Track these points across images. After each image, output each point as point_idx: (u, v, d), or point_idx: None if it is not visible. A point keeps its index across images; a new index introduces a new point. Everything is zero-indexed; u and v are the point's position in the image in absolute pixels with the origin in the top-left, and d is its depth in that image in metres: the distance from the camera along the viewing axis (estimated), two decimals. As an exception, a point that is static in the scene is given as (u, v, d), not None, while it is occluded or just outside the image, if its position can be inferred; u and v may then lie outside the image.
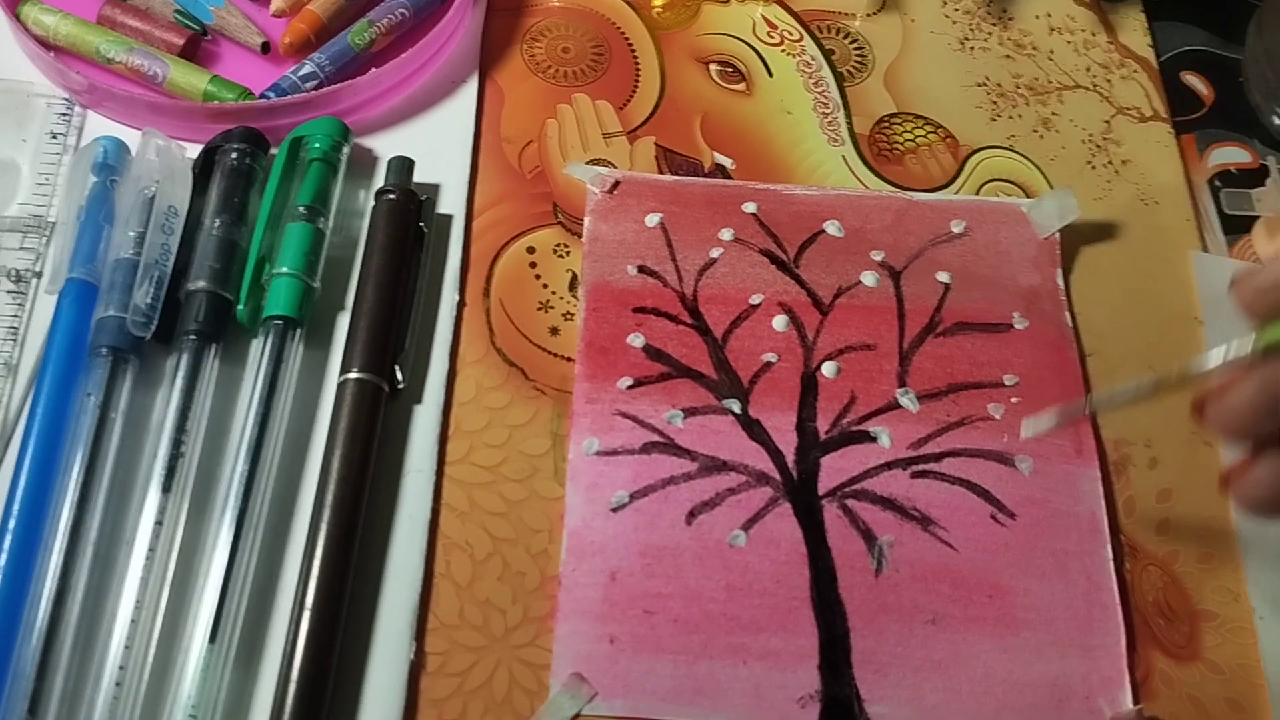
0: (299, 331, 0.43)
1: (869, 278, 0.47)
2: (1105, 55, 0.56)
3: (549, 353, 0.45)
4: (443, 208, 0.48)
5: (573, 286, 0.47)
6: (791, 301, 0.46)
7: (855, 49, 0.55)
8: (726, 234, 0.48)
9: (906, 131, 0.53)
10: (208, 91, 0.48)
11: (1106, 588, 0.41)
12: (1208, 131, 0.55)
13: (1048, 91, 0.55)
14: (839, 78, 0.54)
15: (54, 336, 0.42)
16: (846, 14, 0.57)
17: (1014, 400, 0.45)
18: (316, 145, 0.46)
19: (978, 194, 0.51)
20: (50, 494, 0.39)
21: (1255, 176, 0.53)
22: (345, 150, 0.47)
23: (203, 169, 0.46)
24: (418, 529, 0.41)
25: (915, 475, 0.43)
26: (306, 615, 0.38)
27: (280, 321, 0.43)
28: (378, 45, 0.51)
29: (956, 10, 0.57)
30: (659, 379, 0.44)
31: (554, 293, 0.47)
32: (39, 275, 0.45)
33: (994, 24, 0.57)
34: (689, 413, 0.43)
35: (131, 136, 0.47)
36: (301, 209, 0.45)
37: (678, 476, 0.42)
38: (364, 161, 0.49)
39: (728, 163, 0.51)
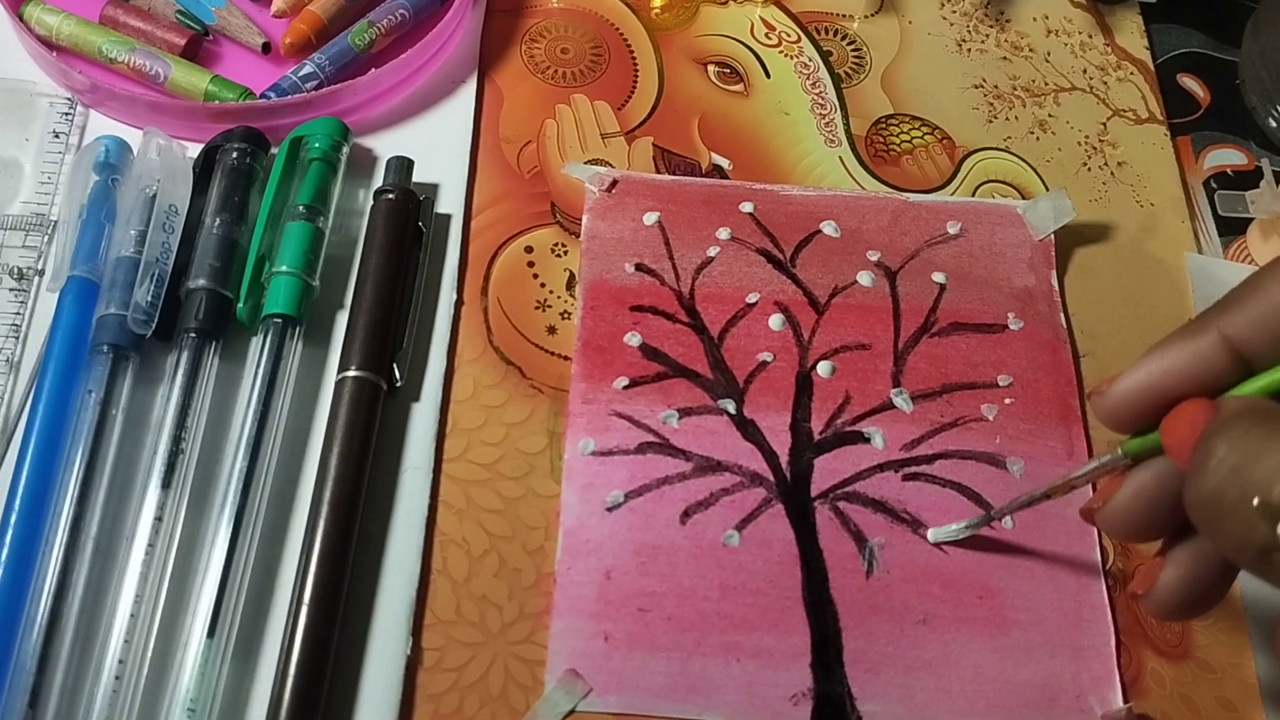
0: (298, 329, 0.44)
1: (865, 278, 0.48)
2: (1102, 57, 0.56)
3: (546, 351, 0.45)
4: (441, 207, 0.48)
5: (570, 285, 0.47)
6: (788, 301, 0.47)
7: (853, 50, 0.56)
8: (723, 233, 0.48)
9: (903, 133, 0.53)
10: (209, 91, 0.49)
11: (1096, 588, 0.42)
12: (1204, 133, 0.55)
13: (1044, 93, 0.55)
14: (836, 79, 0.54)
15: (55, 334, 0.42)
16: (844, 16, 0.57)
17: (1007, 401, 0.45)
18: (316, 145, 0.47)
19: (974, 195, 0.51)
20: (51, 490, 0.39)
21: (1251, 178, 0.53)
22: (345, 150, 0.48)
23: (203, 168, 0.46)
24: (415, 526, 0.41)
25: (907, 478, 0.43)
26: (304, 610, 0.38)
27: (279, 319, 0.43)
28: (378, 46, 0.51)
29: (954, 12, 0.57)
30: (655, 379, 0.44)
31: (551, 291, 0.47)
32: (41, 273, 0.45)
33: (991, 26, 0.57)
34: (684, 413, 0.44)
35: (133, 136, 0.47)
36: (301, 208, 0.45)
37: (672, 477, 0.42)
38: (363, 161, 0.49)
39: (725, 163, 0.51)
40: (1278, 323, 0.28)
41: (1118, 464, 0.32)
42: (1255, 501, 0.25)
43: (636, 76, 0.53)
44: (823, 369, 0.45)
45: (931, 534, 0.42)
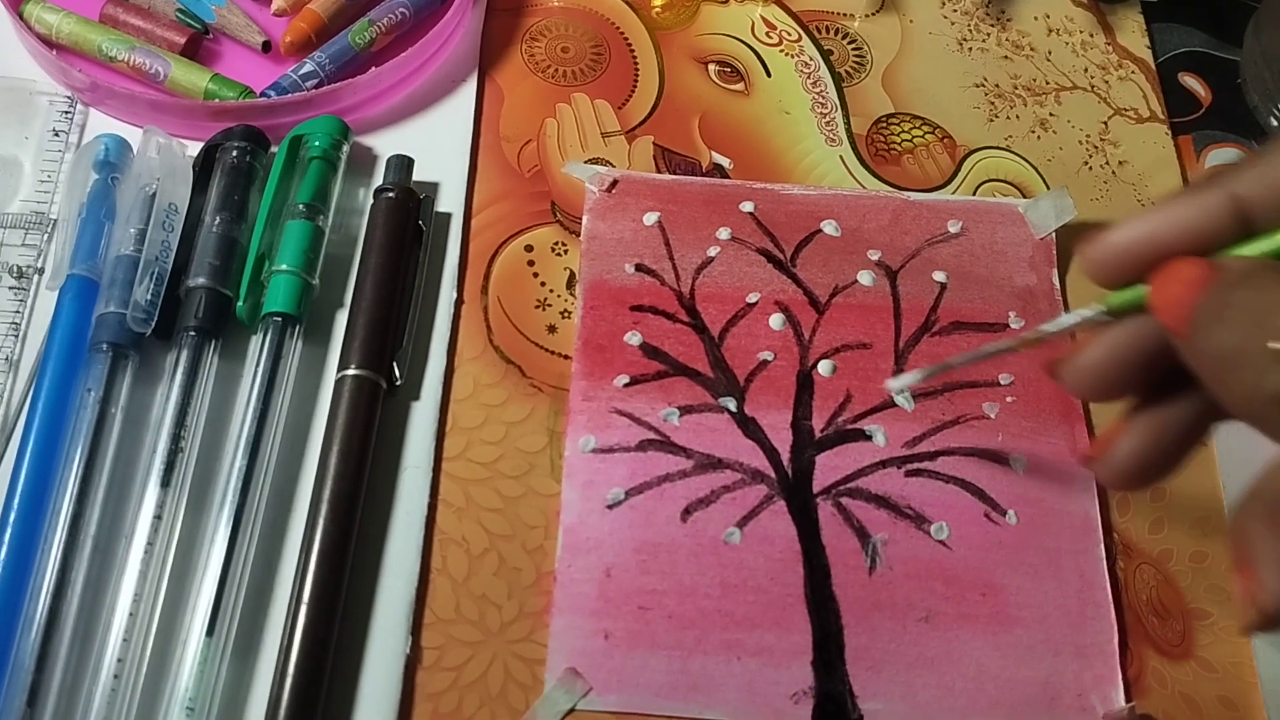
0: (298, 328, 0.44)
1: (865, 277, 0.48)
2: (1103, 56, 0.56)
3: (546, 350, 0.45)
4: (441, 206, 0.48)
5: (570, 285, 0.47)
6: (788, 300, 0.47)
7: (854, 49, 0.56)
8: (724, 233, 0.48)
9: (904, 132, 0.53)
10: (209, 90, 0.49)
11: (1099, 586, 0.41)
12: (1205, 133, 0.55)
13: (1045, 92, 0.55)
14: (837, 78, 0.54)
15: (55, 332, 0.42)
16: (845, 14, 0.57)
17: (1009, 399, 0.45)
18: (316, 143, 0.47)
19: (975, 194, 0.51)
20: (50, 488, 0.39)
21: (1252, 178, 0.53)
22: (345, 148, 0.48)
23: (203, 167, 0.46)
24: (414, 524, 0.41)
25: (909, 474, 0.43)
26: (304, 609, 0.38)
27: (279, 318, 0.43)
28: (378, 44, 0.51)
29: (955, 11, 0.57)
30: (655, 377, 0.44)
31: (551, 291, 0.47)
32: (40, 271, 0.45)
33: (992, 25, 0.57)
34: (685, 411, 0.44)
35: (133, 134, 0.47)
36: (301, 207, 0.45)
37: (673, 474, 0.42)
38: (363, 160, 0.49)
39: (725, 162, 0.51)
40: None
41: (1096, 319, 0.31)
42: (1273, 345, 0.25)
43: (637, 75, 0.53)
44: (823, 368, 0.45)
45: (889, 383, 0.42)
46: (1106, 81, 0.55)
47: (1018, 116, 0.54)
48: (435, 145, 0.49)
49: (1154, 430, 0.30)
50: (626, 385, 0.44)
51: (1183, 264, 0.28)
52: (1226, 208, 0.28)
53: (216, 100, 0.48)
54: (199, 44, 0.51)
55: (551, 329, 0.46)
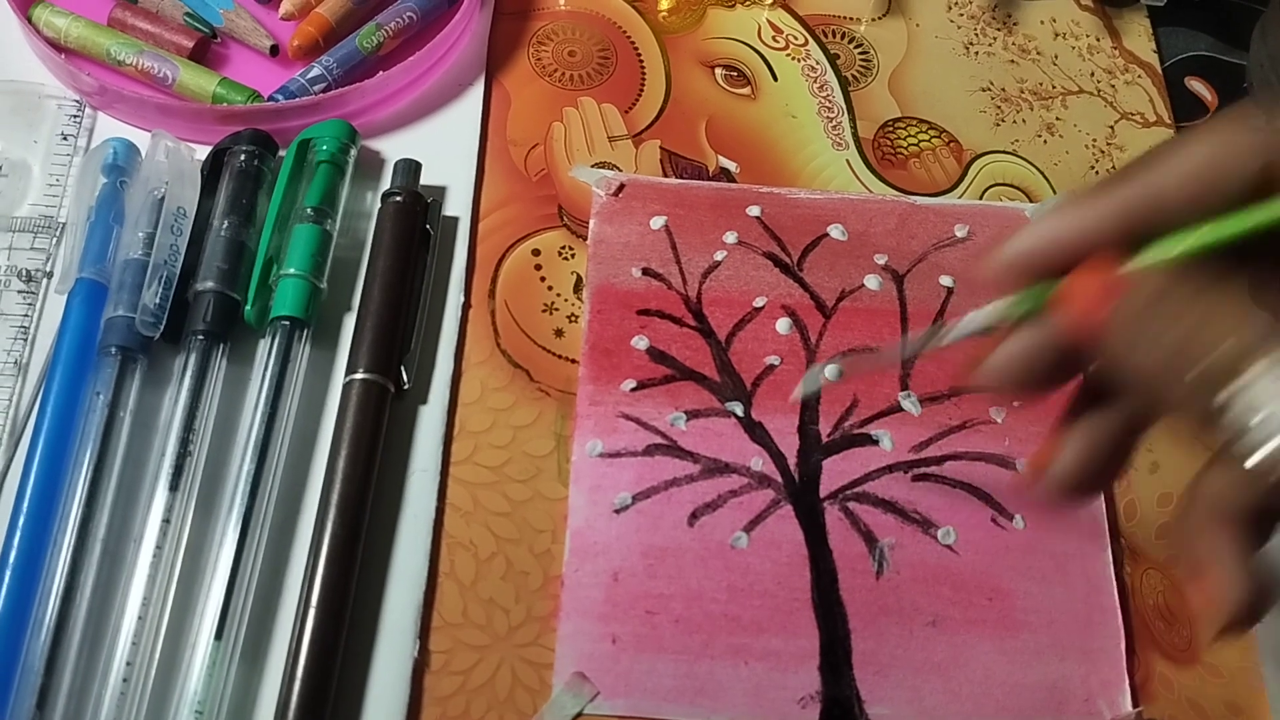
0: (306, 332, 0.44)
1: (872, 281, 0.48)
2: (1109, 60, 0.56)
3: (553, 354, 0.45)
4: (449, 210, 0.48)
5: (577, 289, 0.47)
6: (795, 304, 0.47)
7: (860, 53, 0.56)
8: (730, 237, 0.48)
9: (910, 136, 0.53)
10: (217, 94, 0.49)
11: (1107, 591, 0.41)
12: (1211, 137, 0.55)
13: (1052, 96, 0.55)
14: (844, 82, 0.54)
15: (63, 336, 0.42)
16: (852, 18, 0.57)
17: (1016, 404, 0.45)
18: (324, 147, 0.47)
19: (981, 198, 0.51)
20: (59, 491, 0.39)
21: (1259, 182, 0.53)
22: (353, 152, 0.48)
23: (211, 170, 0.46)
24: (422, 528, 0.41)
25: (917, 478, 0.43)
26: (312, 613, 0.38)
27: (287, 322, 0.43)
28: (385, 48, 0.51)
29: (961, 15, 0.57)
30: (662, 381, 0.44)
31: (559, 295, 0.47)
32: (49, 275, 0.45)
33: (999, 29, 0.57)
34: (692, 415, 0.44)
35: (141, 138, 0.47)
36: (309, 210, 0.45)
37: (680, 478, 0.42)
38: (371, 164, 0.49)
39: (732, 166, 0.51)
40: (1198, 185, 0.27)
41: (1005, 321, 0.30)
42: (1198, 372, 0.25)
43: (644, 79, 0.53)
44: (830, 372, 0.45)
45: (795, 390, 0.43)
46: (1113, 86, 0.55)
47: (1024, 121, 0.54)
48: (443, 149, 0.49)
49: (1089, 441, 0.30)
50: (634, 389, 0.44)
51: (1091, 274, 0.28)
52: (1137, 210, 0.28)
53: (224, 104, 0.48)
54: (207, 48, 0.51)
55: (559, 333, 0.46)
